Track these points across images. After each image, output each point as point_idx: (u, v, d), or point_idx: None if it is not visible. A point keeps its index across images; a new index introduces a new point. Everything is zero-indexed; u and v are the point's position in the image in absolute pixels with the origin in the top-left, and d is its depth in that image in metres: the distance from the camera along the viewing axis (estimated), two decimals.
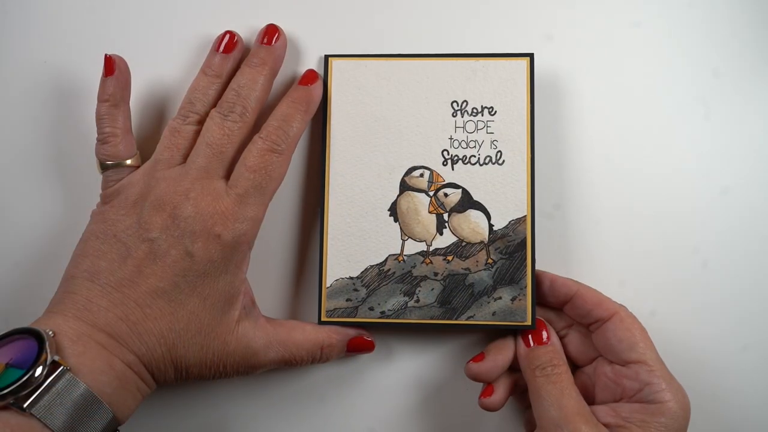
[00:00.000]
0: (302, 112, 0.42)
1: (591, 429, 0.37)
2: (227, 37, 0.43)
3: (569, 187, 0.46)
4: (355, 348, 0.43)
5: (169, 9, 0.46)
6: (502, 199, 0.43)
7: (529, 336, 0.41)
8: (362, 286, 0.42)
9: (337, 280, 0.42)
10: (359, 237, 0.43)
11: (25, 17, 0.45)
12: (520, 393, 0.44)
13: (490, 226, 0.43)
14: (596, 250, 0.45)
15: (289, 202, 0.45)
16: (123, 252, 0.38)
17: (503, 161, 0.43)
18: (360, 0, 0.46)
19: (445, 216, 0.43)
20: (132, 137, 0.42)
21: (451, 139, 0.43)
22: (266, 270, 0.45)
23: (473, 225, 0.43)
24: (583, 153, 0.46)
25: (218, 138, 0.40)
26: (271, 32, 0.43)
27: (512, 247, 0.42)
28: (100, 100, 0.42)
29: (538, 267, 0.44)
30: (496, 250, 0.43)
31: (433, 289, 0.42)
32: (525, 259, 0.42)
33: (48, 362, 0.33)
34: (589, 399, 0.41)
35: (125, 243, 0.38)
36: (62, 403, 0.33)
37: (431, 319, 0.42)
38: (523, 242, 0.42)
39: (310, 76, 0.43)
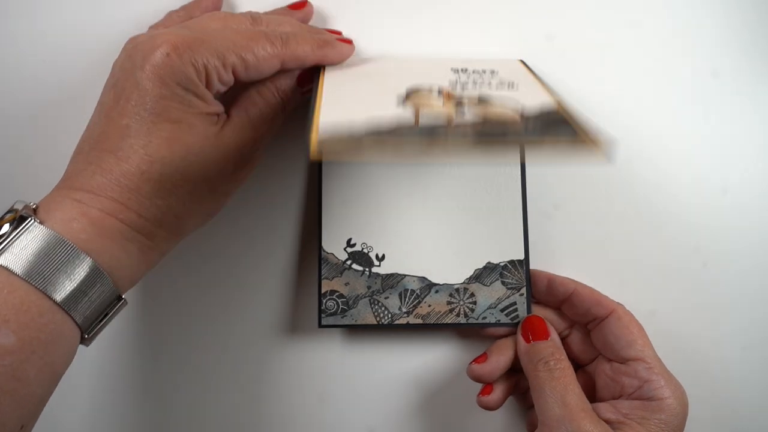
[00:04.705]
0: (314, 43, 0.39)
1: (594, 426, 0.37)
2: None
3: (569, 187, 0.46)
4: (305, 82, 0.40)
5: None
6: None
7: (529, 331, 0.42)
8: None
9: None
10: None
11: (25, 17, 0.45)
12: (522, 393, 0.44)
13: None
14: (596, 250, 0.46)
15: (289, 204, 0.45)
16: (99, 111, 0.36)
17: (517, 87, 0.37)
18: (356, 5, 0.46)
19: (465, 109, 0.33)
20: None
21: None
22: (265, 269, 0.45)
23: (501, 109, 0.33)
24: None
25: (214, 13, 0.39)
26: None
27: None
28: (184, 5, 0.43)
29: (537, 267, 0.44)
30: None
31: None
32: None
33: (17, 219, 0.32)
34: (590, 397, 0.41)
35: (101, 102, 0.36)
36: (27, 248, 0.31)
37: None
38: None
39: (344, 39, 0.42)
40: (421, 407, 0.45)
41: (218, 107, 0.37)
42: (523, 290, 0.43)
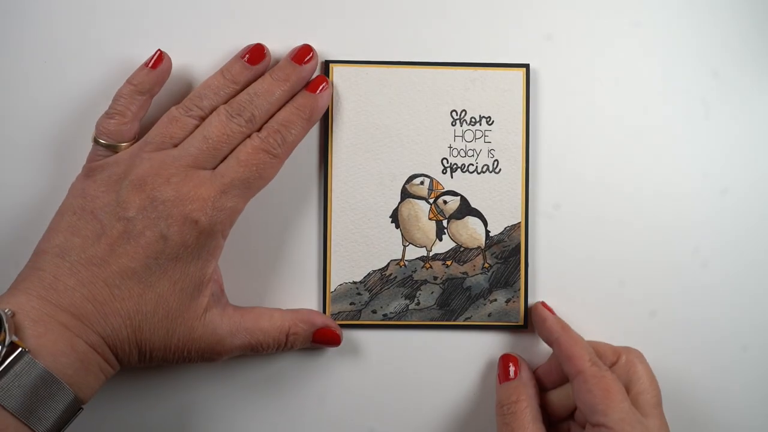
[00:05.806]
0: (304, 119, 0.41)
1: None
2: (255, 48, 0.42)
3: (569, 187, 0.46)
4: (321, 339, 0.42)
5: (165, 9, 0.45)
6: (498, 206, 0.44)
7: (500, 371, 0.43)
8: (365, 290, 0.44)
9: (340, 284, 0.44)
10: (362, 243, 0.44)
11: (25, 17, 0.45)
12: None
13: (487, 232, 0.44)
14: (596, 250, 0.46)
15: (291, 208, 0.45)
16: (98, 229, 0.37)
17: (500, 170, 0.44)
18: (361, 6, 0.46)
19: (445, 222, 0.44)
20: (137, 127, 0.42)
21: (450, 147, 0.44)
22: (266, 275, 0.45)
23: (471, 231, 0.44)
24: (583, 153, 0.46)
25: (217, 135, 0.39)
26: (303, 52, 0.43)
27: (507, 252, 0.44)
28: (129, 82, 0.41)
29: (538, 270, 0.45)
30: (492, 255, 0.44)
31: (432, 293, 0.44)
32: (519, 263, 0.44)
33: (6, 343, 0.33)
34: None
35: (101, 221, 0.37)
36: (20, 385, 0.33)
37: (431, 320, 0.44)
38: (518, 247, 0.44)
39: (317, 83, 0.42)
40: (421, 408, 0.46)
41: (216, 287, 0.40)
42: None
